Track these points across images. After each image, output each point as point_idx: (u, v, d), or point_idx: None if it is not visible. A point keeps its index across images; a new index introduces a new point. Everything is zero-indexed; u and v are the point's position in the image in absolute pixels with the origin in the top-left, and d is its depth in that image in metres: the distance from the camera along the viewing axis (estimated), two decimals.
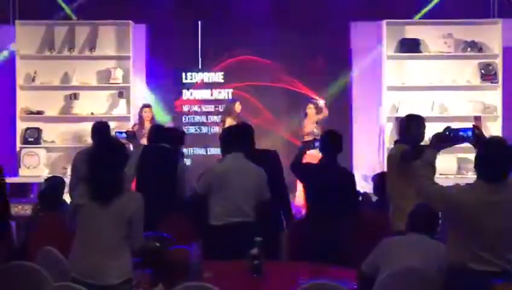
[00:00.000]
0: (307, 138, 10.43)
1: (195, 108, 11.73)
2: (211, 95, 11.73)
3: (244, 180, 6.25)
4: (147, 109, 10.59)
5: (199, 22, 11.54)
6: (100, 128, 7.56)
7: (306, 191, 6.83)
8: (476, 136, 4.80)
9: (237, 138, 6.52)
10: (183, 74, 11.68)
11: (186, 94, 11.72)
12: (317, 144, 6.81)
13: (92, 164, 4.77)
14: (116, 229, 4.63)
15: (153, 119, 10.46)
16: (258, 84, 11.62)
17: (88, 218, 4.70)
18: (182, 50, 11.54)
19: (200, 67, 11.64)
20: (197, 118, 11.70)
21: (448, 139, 4.81)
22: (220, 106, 11.55)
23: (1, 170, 6.50)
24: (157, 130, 7.88)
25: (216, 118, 11.50)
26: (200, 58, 11.60)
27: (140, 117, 10.55)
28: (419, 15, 11.09)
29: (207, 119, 11.64)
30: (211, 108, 11.71)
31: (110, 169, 4.66)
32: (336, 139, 6.66)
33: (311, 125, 10.67)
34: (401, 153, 6.15)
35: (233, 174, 6.27)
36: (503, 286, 4.32)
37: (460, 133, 4.83)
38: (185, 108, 11.72)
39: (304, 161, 6.98)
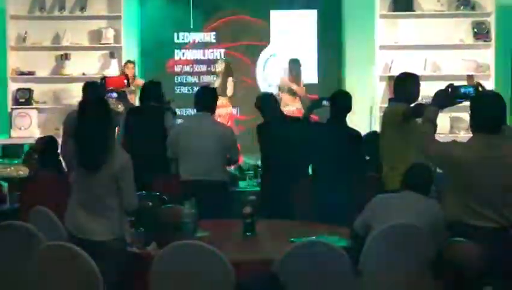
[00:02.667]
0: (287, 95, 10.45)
1: (187, 68, 11.68)
2: (203, 55, 11.66)
3: (203, 139, 6.47)
4: (129, 65, 10.51)
5: None
6: (90, 88, 7.48)
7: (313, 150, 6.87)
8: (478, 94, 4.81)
9: (204, 98, 6.81)
10: (175, 34, 11.61)
11: (178, 54, 11.66)
12: (325, 102, 6.84)
13: (78, 131, 4.76)
14: (104, 190, 4.69)
15: (134, 76, 10.36)
16: (251, 43, 11.56)
17: (78, 180, 4.78)
18: (173, 10, 11.44)
19: (191, 27, 11.55)
20: (189, 79, 11.64)
21: (451, 96, 4.81)
22: (212, 66, 11.49)
23: None
24: (144, 88, 7.82)
25: (209, 78, 11.43)
26: (191, 18, 11.49)
27: (123, 73, 10.47)
28: None
29: (199, 79, 11.57)
30: (203, 68, 11.65)
31: (95, 137, 4.65)
32: (345, 99, 6.75)
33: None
34: (403, 111, 6.11)
35: (192, 133, 6.56)
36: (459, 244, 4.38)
37: (462, 90, 4.82)
38: (177, 68, 11.66)
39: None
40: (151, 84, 7.77)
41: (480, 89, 4.86)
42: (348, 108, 6.71)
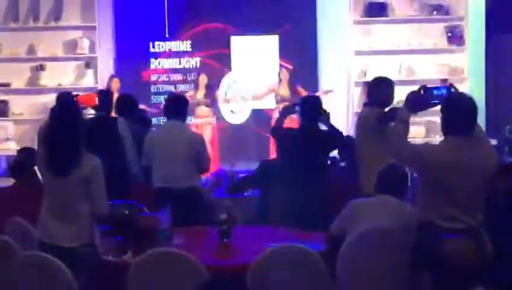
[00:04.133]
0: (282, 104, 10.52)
1: (164, 77, 11.68)
2: (179, 64, 11.67)
3: (174, 147, 6.50)
4: (115, 80, 10.51)
5: None
6: (65, 99, 7.47)
7: (284, 154, 6.86)
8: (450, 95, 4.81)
9: (173, 106, 6.76)
10: (151, 43, 11.60)
11: (154, 63, 11.66)
12: (297, 108, 6.86)
13: (48, 136, 4.75)
14: (74, 195, 4.64)
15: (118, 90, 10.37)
16: (227, 52, 11.58)
17: (47, 186, 4.76)
18: (148, 19, 11.44)
19: (167, 36, 11.56)
20: (166, 88, 11.63)
21: (424, 101, 4.76)
22: (188, 75, 11.50)
23: None
24: (103, 98, 7.82)
25: (184, 87, 11.43)
26: (167, 27, 11.50)
27: (110, 88, 10.46)
28: None
29: (175, 88, 11.56)
30: (179, 77, 11.66)
31: (66, 141, 4.64)
32: (314, 103, 6.77)
33: (285, 90, 10.67)
34: (377, 115, 6.13)
35: (164, 141, 6.57)
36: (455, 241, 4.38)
37: (435, 91, 4.78)
38: (153, 77, 11.65)
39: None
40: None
41: (452, 90, 4.84)
42: (318, 111, 6.72)
